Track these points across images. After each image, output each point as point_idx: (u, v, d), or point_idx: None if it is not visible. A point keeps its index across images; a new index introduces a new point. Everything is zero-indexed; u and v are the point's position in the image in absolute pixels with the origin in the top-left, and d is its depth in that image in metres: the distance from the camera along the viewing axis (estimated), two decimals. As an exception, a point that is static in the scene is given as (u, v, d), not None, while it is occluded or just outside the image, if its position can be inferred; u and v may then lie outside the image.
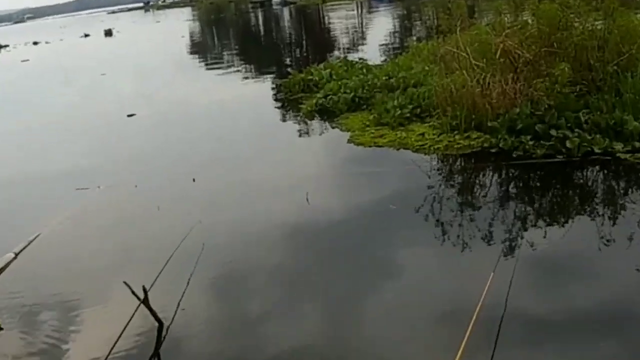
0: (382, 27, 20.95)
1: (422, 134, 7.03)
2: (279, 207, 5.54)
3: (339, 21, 25.54)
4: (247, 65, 15.94)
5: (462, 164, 6.35)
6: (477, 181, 5.93)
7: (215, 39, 28.11)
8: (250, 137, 8.14)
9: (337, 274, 4.31)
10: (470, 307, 3.38)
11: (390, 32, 19.20)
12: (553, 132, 5.97)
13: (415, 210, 5.13)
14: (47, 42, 33.99)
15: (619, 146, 5.70)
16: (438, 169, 6.28)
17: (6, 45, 34.41)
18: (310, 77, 10.40)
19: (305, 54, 17.71)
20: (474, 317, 3.25)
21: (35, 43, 34.10)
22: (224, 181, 6.49)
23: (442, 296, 3.86)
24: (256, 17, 38.56)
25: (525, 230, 4.65)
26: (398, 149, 6.85)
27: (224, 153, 7.55)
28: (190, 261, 4.49)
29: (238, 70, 14.95)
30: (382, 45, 15.29)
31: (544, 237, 4.43)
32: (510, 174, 5.85)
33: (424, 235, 4.70)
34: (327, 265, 4.46)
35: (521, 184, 5.71)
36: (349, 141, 7.30)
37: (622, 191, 5.17)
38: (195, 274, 4.39)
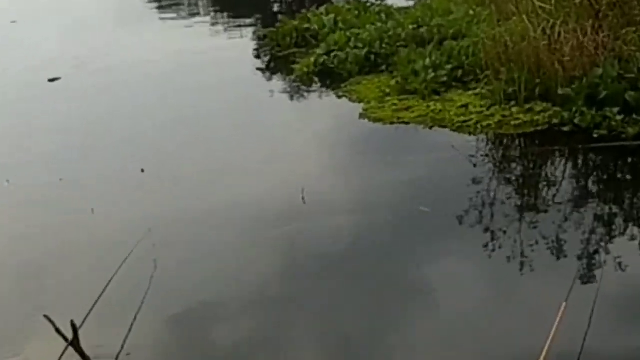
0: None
1: (465, 106, 7.11)
2: (264, 210, 5.61)
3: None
4: (220, 12, 15.86)
5: (522, 148, 6.49)
6: (543, 173, 6.06)
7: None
8: (223, 112, 8.22)
9: (346, 308, 4.36)
10: (535, 350, 3.43)
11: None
12: (651, 102, 6.14)
13: (456, 214, 5.20)
14: None
15: None
16: (487, 156, 6.39)
17: None
18: (306, 25, 10.30)
19: (299, -8, 17.83)
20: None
21: None
22: (186, 173, 6.55)
23: (496, 335, 3.94)
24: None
25: (611, 243, 4.74)
26: (431, 128, 6.95)
27: (187, 133, 7.62)
28: (138, 287, 4.53)
29: (207, 19, 14.88)
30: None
31: (639, 253, 4.52)
32: (590, 163, 5.98)
33: (469, 250, 4.78)
34: (331, 294, 4.51)
35: (605, 177, 5.83)
36: (362, 116, 7.42)
37: None
38: (146, 305, 4.42)
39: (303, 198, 5.70)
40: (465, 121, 6.88)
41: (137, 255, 4.72)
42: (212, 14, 15.75)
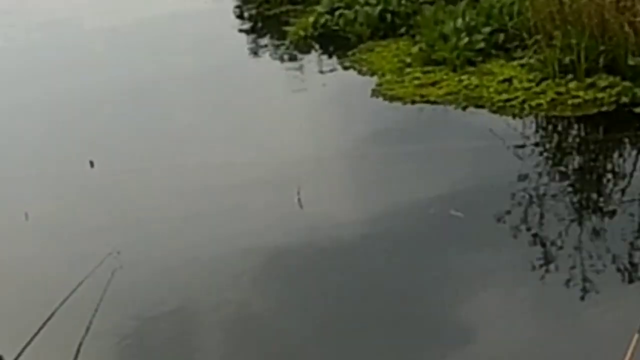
0: None
1: (509, 80, 7.13)
2: (247, 218, 5.62)
3: None
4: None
5: (581, 134, 6.52)
6: (609, 167, 6.04)
7: None
8: (196, 87, 8.21)
9: (358, 342, 4.33)
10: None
11: None
12: None
13: (497, 218, 5.22)
14: None
15: None
16: (537, 145, 6.35)
17: None
18: (303, -26, 10.30)
19: None
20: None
21: None
22: (152, 169, 6.58)
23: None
24: None
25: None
26: (464, 108, 6.97)
27: (152, 117, 7.64)
28: (84, 316, 4.56)
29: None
30: None
31: None
32: (670, 153, 6.01)
33: (514, 264, 4.77)
34: (335, 328, 4.49)
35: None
36: (375, 94, 7.44)
37: None
38: (101, 344, 4.47)
39: (299, 201, 5.71)
40: (508, 100, 6.90)
41: (87, 280, 4.69)
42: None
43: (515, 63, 7.39)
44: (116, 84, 8.57)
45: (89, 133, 7.41)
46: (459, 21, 7.87)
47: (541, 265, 4.77)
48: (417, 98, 7.22)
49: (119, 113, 7.89)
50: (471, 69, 7.48)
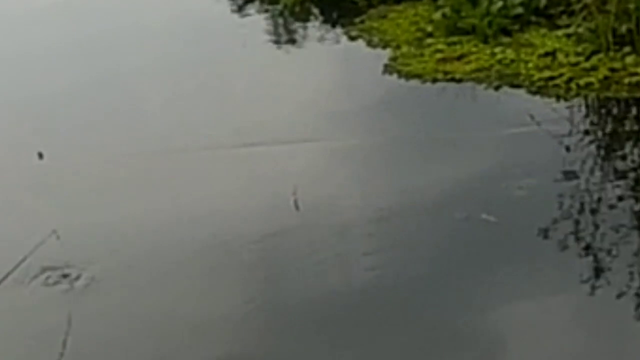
0: None
1: (552, 54, 7.19)
2: (235, 224, 5.63)
3: None
4: None
5: None
6: None
7: None
8: (169, 60, 8.33)
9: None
10: None
11: None
12: None
13: (538, 225, 5.20)
14: None
15: None
16: (587, 133, 6.38)
17: None
18: None
19: None
20: None
21: None
22: (112, 159, 6.65)
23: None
24: None
25: None
26: (497, 88, 7.04)
27: (112, 94, 7.77)
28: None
29: None
30: None
31: None
32: None
33: (559, 283, 4.77)
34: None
35: None
36: (388, 70, 7.51)
37: None
38: None
39: (295, 202, 5.75)
40: (551, 78, 6.95)
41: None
42: None
43: (559, 33, 7.45)
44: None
45: (41, 120, 7.59)
46: (491, -19, 8.00)
47: (590, 278, 4.76)
48: (440, 75, 7.28)
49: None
50: (506, 39, 7.56)
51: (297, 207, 5.74)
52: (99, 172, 6.59)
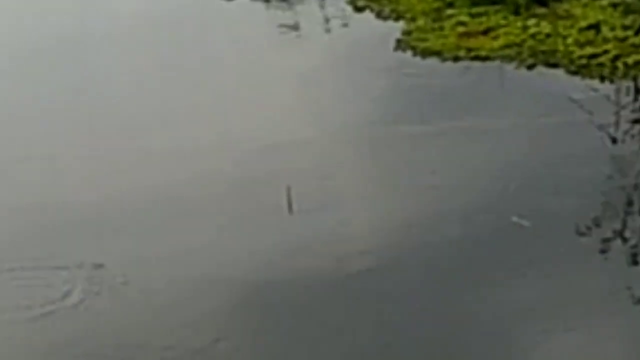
0: None
1: (595, 27, 7.08)
2: (220, 227, 5.58)
3: None
4: None
5: None
6: None
7: None
8: (156, 41, 8.37)
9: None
10: None
11: None
12: None
13: (577, 229, 5.12)
14: None
15: None
16: (636, 121, 6.31)
17: None
18: None
19: None
20: None
21: None
22: (91, 154, 6.56)
23: None
24: None
25: None
26: (530, 67, 7.06)
27: (92, 82, 7.73)
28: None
29: None
30: None
31: None
32: None
33: (602, 295, 4.67)
34: None
35: None
36: (402, 46, 7.59)
37: None
38: None
39: (289, 203, 5.61)
40: (594, 56, 6.96)
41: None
42: None
43: (604, 2, 7.28)
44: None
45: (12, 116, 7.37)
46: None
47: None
48: (462, 52, 7.26)
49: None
50: (541, 10, 7.49)
51: (290, 209, 5.61)
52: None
